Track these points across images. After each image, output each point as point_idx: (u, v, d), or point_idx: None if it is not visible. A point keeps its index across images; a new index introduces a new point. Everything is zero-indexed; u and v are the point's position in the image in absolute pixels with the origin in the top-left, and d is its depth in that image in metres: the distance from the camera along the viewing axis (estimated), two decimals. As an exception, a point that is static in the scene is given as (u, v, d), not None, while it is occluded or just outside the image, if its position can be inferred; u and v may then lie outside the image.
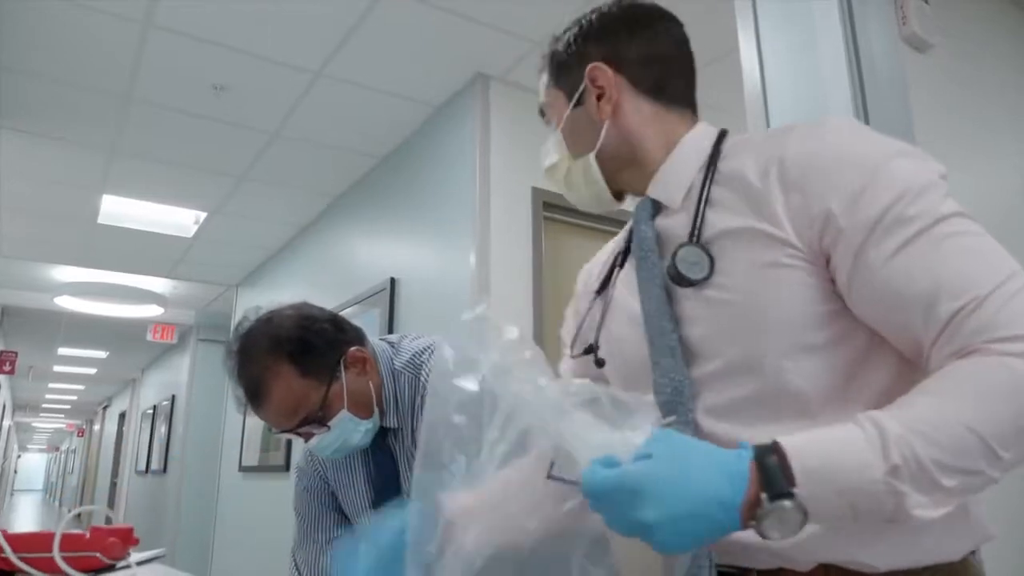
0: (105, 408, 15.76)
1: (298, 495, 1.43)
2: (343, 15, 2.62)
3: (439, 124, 3.24)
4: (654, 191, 0.89)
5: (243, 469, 5.23)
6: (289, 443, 4.41)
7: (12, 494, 27.91)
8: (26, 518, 19.56)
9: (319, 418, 1.19)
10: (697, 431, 0.78)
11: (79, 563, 0.98)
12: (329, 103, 3.21)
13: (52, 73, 3.01)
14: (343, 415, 1.21)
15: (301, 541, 1.42)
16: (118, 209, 4.56)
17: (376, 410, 1.27)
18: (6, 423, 13.38)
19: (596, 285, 1.01)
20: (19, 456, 30.83)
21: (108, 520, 1.34)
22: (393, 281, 3.39)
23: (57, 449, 31.29)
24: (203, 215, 4.67)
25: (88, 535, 1.01)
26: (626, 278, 0.92)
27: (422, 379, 1.28)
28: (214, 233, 4.97)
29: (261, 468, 4.87)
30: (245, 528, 5.11)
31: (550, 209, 3.00)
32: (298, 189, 4.19)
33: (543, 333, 2.81)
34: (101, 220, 4.70)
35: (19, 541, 0.97)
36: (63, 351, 9.77)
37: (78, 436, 21.60)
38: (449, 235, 3.01)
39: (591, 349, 0.93)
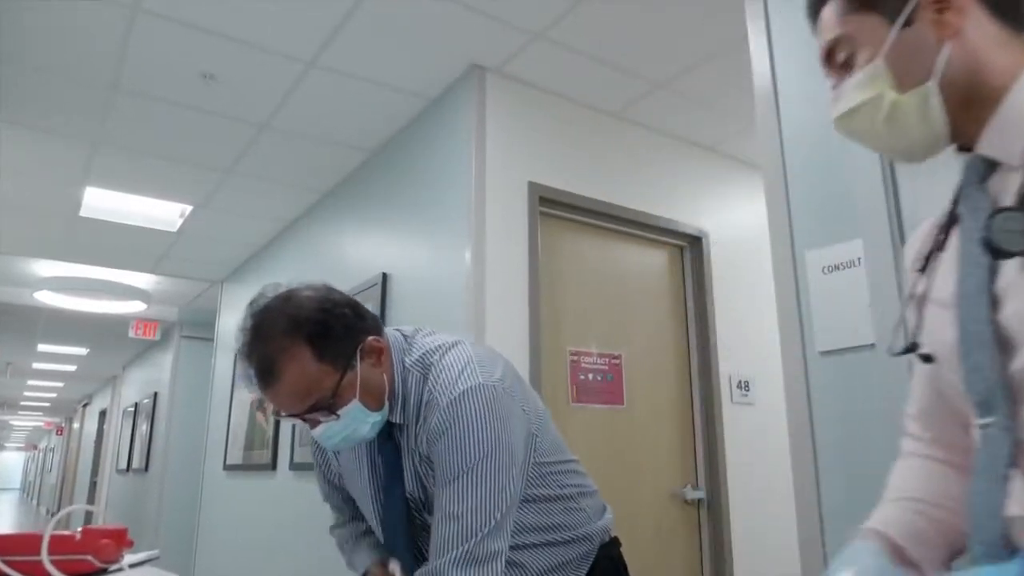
0: (85, 406, 15.53)
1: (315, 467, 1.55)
2: (337, 2, 2.56)
3: (434, 117, 3.18)
4: (987, 143, 0.74)
5: (227, 467, 5.15)
6: (276, 441, 4.33)
7: (-12, 493, 27.44)
8: (3, 517, 19.25)
9: (329, 405, 1.15)
10: (1017, 445, 0.66)
11: (69, 567, 0.92)
12: (321, 94, 3.14)
13: (34, 60, 2.92)
14: (354, 405, 1.17)
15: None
16: (101, 202, 4.45)
17: (387, 403, 1.23)
18: (-17, 421, 13.13)
19: (919, 263, 0.85)
20: (-4, 455, 30.33)
21: (89, 517, 1.26)
22: (385, 276, 3.33)
23: (35, 447, 30.83)
24: (188, 209, 4.58)
25: (79, 537, 0.95)
26: (950, 255, 0.79)
27: (430, 382, 1.23)
28: (199, 228, 4.88)
29: (246, 466, 4.79)
30: (230, 527, 5.03)
31: (547, 204, 2.95)
32: (287, 183, 4.11)
33: (539, 329, 2.77)
34: (83, 213, 4.59)
35: (4, 543, 0.91)
36: (43, 347, 9.59)
37: (57, 434, 21.29)
38: (443, 230, 2.96)
39: (913, 347, 0.81)
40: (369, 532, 1.47)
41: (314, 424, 1.19)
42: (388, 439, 1.28)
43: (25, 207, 4.54)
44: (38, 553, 0.89)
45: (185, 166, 3.93)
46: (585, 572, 1.35)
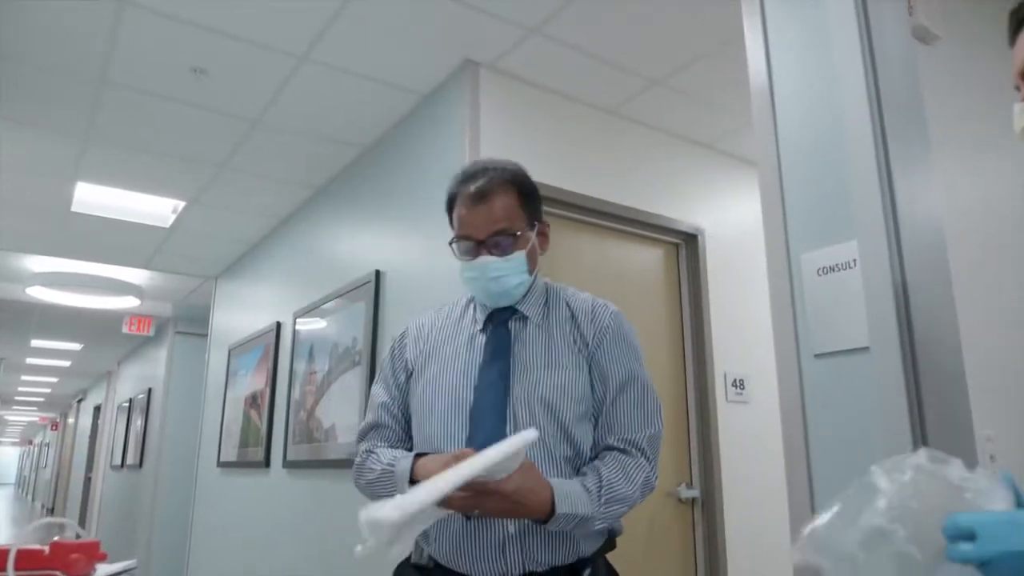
0: (80, 401, 15.49)
1: (383, 362, 1.57)
2: (329, -3, 2.52)
3: (427, 113, 3.15)
4: None
5: (221, 464, 5.13)
6: (269, 438, 4.30)
7: (-17, 488, 27.39)
8: (-2, 512, 19.22)
9: (508, 241, 1.37)
10: None
11: (36, 582, 0.89)
12: (313, 89, 3.11)
13: (22, 54, 2.89)
14: (521, 254, 1.39)
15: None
16: (92, 197, 4.42)
17: (533, 278, 1.45)
18: (-23, 416, 13.09)
19: None
20: (-9, 449, 30.27)
21: (60, 529, 1.24)
22: (378, 274, 3.30)
23: (30, 443, 30.77)
24: (181, 205, 4.55)
25: (47, 551, 0.92)
26: None
27: (568, 292, 1.52)
28: (192, 223, 4.85)
29: (240, 464, 4.76)
30: (224, 524, 5.01)
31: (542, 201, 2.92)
32: (280, 179, 4.08)
33: (532, 328, 2.74)
34: (75, 208, 4.55)
35: (-30, 558, 0.88)
36: (36, 343, 9.55)
37: (52, 430, 21.24)
38: (436, 227, 2.93)
39: None
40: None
41: (477, 254, 1.37)
42: (501, 325, 1.42)
43: (16, 202, 4.50)
44: (4, 569, 0.86)
45: (177, 161, 3.89)
46: (605, 541, 1.38)
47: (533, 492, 1.18)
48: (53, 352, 10.26)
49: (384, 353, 1.69)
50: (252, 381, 4.74)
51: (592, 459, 1.35)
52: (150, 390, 8.25)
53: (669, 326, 3.32)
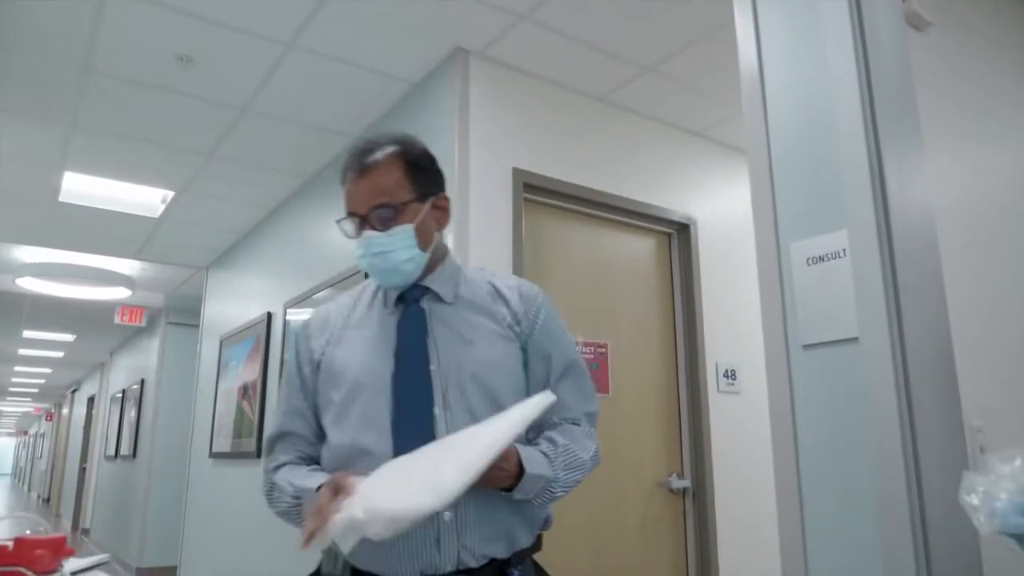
0: (74, 392, 15.45)
1: (287, 361, 1.49)
2: (315, -17, 2.49)
3: (416, 101, 3.12)
4: None
5: (214, 455, 5.11)
6: (261, 430, 4.29)
7: (-21, 478, 27.40)
8: (-6, 502, 19.22)
9: (390, 214, 1.30)
10: None
11: (1, 579, 0.87)
12: (301, 77, 3.07)
13: (3, 40, 2.84)
14: (407, 227, 1.30)
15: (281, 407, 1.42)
16: (81, 187, 4.37)
17: (427, 254, 1.34)
18: (-30, 407, 13.05)
19: None
20: (-14, 440, 30.22)
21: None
22: (368, 264, 3.27)
23: (26, 433, 30.73)
24: (170, 194, 4.51)
25: (11, 547, 0.90)
26: None
27: (485, 272, 1.44)
28: (182, 213, 4.81)
29: (232, 455, 4.75)
30: (216, 515, 5.00)
31: (531, 191, 2.90)
32: (269, 168, 4.04)
33: (523, 319, 2.72)
34: (63, 199, 4.51)
35: (-69, 554, 0.86)
36: (28, 334, 9.51)
37: (46, 420, 21.20)
38: (426, 217, 2.90)
39: None
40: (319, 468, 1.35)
41: (362, 230, 1.30)
42: (413, 304, 1.35)
43: (3, 192, 4.46)
44: None
45: (165, 150, 3.85)
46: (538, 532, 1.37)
47: (509, 453, 1.15)
48: (46, 343, 10.22)
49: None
50: (244, 372, 4.72)
51: (532, 439, 1.30)
52: (143, 381, 8.23)
53: (660, 316, 3.30)
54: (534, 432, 1.30)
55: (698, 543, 3.10)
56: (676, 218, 3.35)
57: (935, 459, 1.27)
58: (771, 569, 1.76)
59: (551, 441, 1.28)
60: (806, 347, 1.51)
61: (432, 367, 1.28)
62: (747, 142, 1.75)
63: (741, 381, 3.38)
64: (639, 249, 3.31)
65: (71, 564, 1.01)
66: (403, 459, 1.13)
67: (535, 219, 2.94)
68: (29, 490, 24.15)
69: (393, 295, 1.36)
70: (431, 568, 1.18)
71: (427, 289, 1.36)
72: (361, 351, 1.32)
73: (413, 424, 1.23)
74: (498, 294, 1.39)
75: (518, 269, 2.76)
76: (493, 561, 1.22)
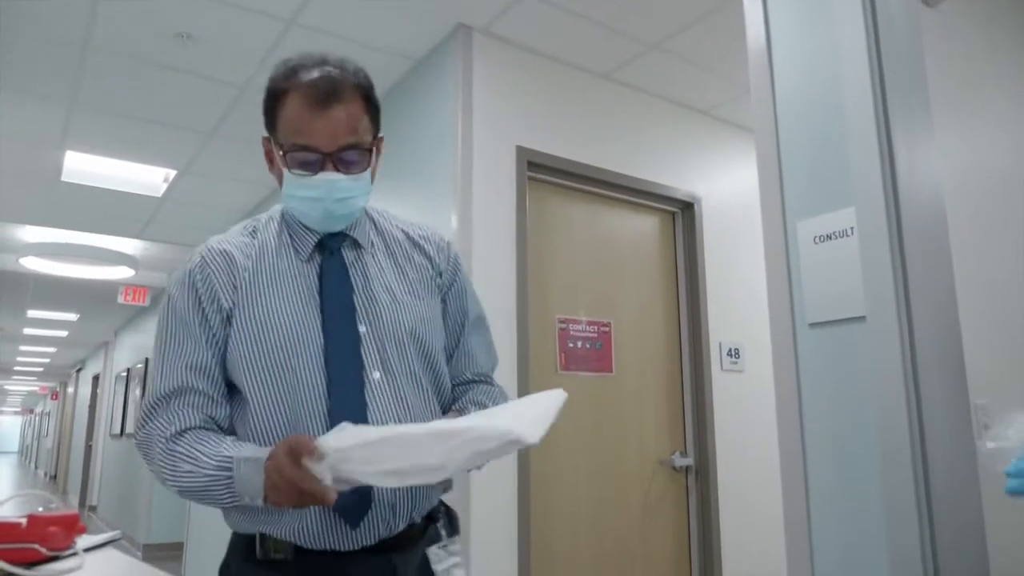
0: (79, 371, 15.52)
1: (174, 304, 1.17)
2: (316, -42, 2.45)
3: (419, 79, 3.09)
4: None
5: (218, 434, 5.13)
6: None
7: (-14, 456, 27.64)
8: (1, 481, 19.39)
9: (360, 157, 1.17)
10: None
11: (15, 555, 0.88)
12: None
13: (2, 18, 2.81)
14: (367, 173, 1.19)
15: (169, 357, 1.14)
16: (82, 167, 4.36)
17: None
18: (-24, 386, 13.12)
19: None
20: (-8, 419, 30.45)
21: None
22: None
23: (31, 412, 30.93)
24: (172, 174, 4.49)
25: (25, 524, 0.91)
26: None
27: (393, 218, 1.34)
28: (184, 193, 4.79)
29: (237, 433, 4.77)
30: (221, 493, 5.03)
31: (535, 169, 2.88)
32: (271, 147, 4.01)
33: (526, 297, 2.72)
34: (65, 178, 4.49)
35: (-53, 532, 0.87)
36: (33, 313, 9.53)
37: (52, 399, 21.32)
38: (429, 196, 2.89)
39: None
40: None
41: (318, 169, 1.14)
42: (335, 253, 1.22)
43: (4, 171, 4.44)
44: None
45: (165, 129, 3.83)
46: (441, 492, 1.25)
47: None
48: (50, 322, 10.25)
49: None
50: (247, 351, 4.73)
51: (451, 397, 1.28)
52: (147, 360, 8.26)
53: (664, 295, 3.30)
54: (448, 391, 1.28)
55: (701, 521, 3.12)
56: (681, 196, 3.33)
57: (941, 438, 1.27)
58: (774, 546, 1.77)
59: (481, 408, 1.23)
60: (812, 326, 1.51)
61: (362, 328, 1.17)
62: (754, 119, 1.73)
63: (744, 360, 3.38)
64: (643, 227, 3.30)
65: (83, 541, 1.02)
66: (381, 428, 1.01)
67: (539, 198, 2.93)
68: (36, 468, 24.36)
69: (309, 241, 1.21)
70: (370, 535, 1.10)
71: (346, 236, 1.23)
72: (283, 307, 1.15)
73: (349, 390, 1.12)
74: (414, 243, 1.30)
75: (521, 247, 2.75)
76: (418, 521, 1.17)
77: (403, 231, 1.31)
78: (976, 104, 1.86)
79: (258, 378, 1.12)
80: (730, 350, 3.35)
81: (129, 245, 6.25)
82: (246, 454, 1.03)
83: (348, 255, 1.22)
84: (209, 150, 4.08)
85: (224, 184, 4.65)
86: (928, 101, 1.50)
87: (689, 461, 3.16)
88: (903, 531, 1.27)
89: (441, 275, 1.29)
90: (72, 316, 9.75)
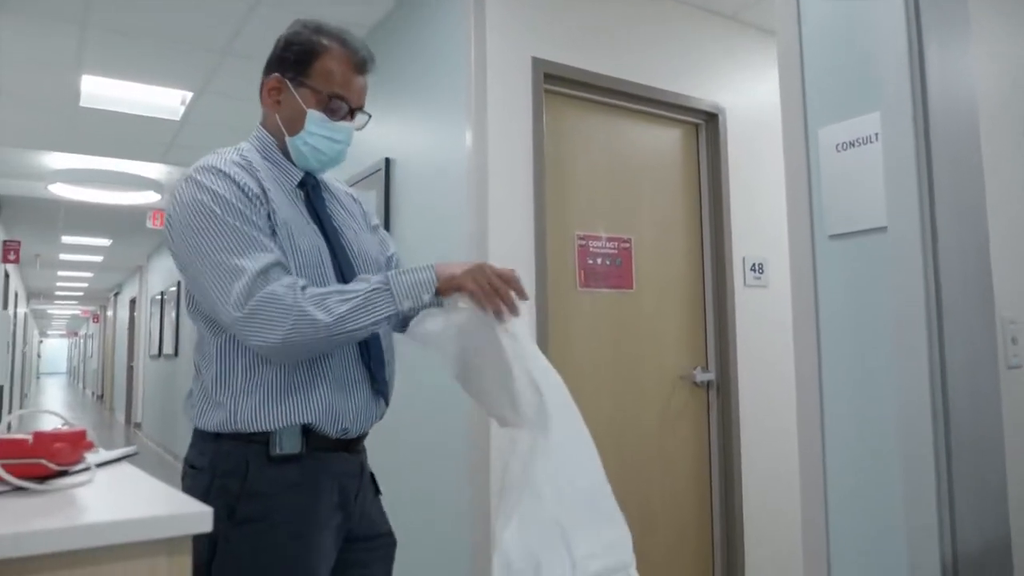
0: (116, 295, 15.94)
1: (224, 198, 1.23)
2: None
3: (431, -12, 2.97)
4: None
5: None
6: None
7: (38, 377, 28.90)
8: (54, 398, 20.34)
9: (366, 118, 1.45)
10: None
11: (23, 470, 0.91)
12: (310, -34, 2.93)
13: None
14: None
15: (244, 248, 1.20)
16: (100, 91, 4.33)
17: None
18: (21, 310, 13.56)
19: None
20: (41, 342, 31.64)
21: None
22: (388, 161, 3.23)
23: (76, 334, 32.05)
24: (189, 96, 4.44)
25: (31, 441, 0.94)
26: None
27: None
28: (202, 115, 4.75)
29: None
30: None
31: (552, 81, 2.79)
32: (286, 65, 3.93)
33: (544, 213, 2.68)
34: (84, 103, 4.47)
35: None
36: (66, 239, 9.72)
37: (93, 322, 22.02)
38: (444, 111, 2.83)
39: None
40: None
41: (335, 116, 1.38)
42: (315, 188, 1.43)
43: (25, 97, 4.44)
44: None
45: (178, 48, 3.76)
46: None
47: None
48: (84, 248, 10.45)
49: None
50: (273, 273, 4.78)
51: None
52: (179, 283, 8.43)
53: (686, 210, 3.23)
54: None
55: (721, 435, 3.15)
56: (704, 107, 3.21)
57: (961, 353, 1.23)
58: (793, 460, 1.77)
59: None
60: (832, 237, 1.46)
61: (354, 250, 1.40)
62: (776, 17, 1.63)
63: (768, 275, 3.33)
64: (665, 140, 3.21)
65: (96, 457, 1.06)
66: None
67: (556, 111, 2.85)
68: (84, 387, 25.43)
69: (295, 177, 1.38)
70: (375, 415, 1.36)
71: (316, 178, 1.44)
72: (299, 225, 1.32)
73: None
74: (351, 198, 1.55)
75: (539, 164, 2.69)
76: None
77: (338, 186, 1.55)
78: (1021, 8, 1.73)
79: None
80: (754, 265, 3.30)
81: (153, 170, 6.27)
82: (406, 275, 1.24)
83: (323, 194, 1.45)
84: (224, 69, 4.01)
85: (241, 104, 4.59)
86: (967, 39, 1.39)
87: (710, 376, 3.16)
88: (919, 445, 1.26)
89: (369, 222, 1.53)
90: (105, 241, 9.93)
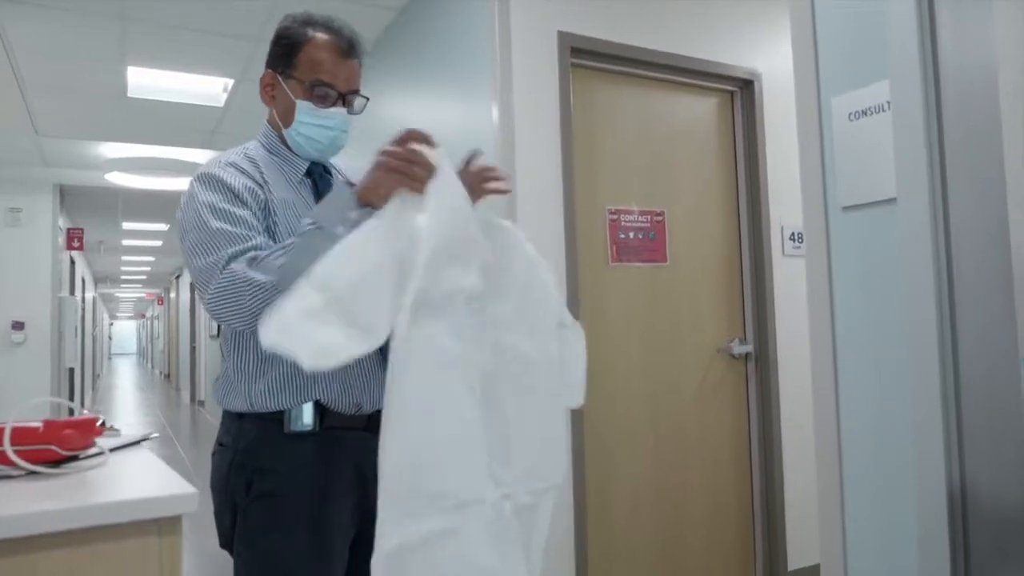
0: (177, 277, 16.49)
1: (211, 203, 1.29)
2: None
3: (454, -35, 2.96)
4: None
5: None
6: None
7: (110, 358, 30.25)
8: (126, 377, 21.30)
9: (362, 102, 1.44)
10: None
11: (34, 456, 0.97)
12: (335, -51, 2.95)
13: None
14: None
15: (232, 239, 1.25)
16: (146, 81, 4.46)
17: None
18: (90, 294, 14.19)
19: None
20: (111, 324, 33.04)
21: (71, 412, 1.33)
22: (418, 142, 3.25)
23: (143, 316, 33.35)
24: (230, 83, 4.54)
25: (42, 428, 1.00)
26: None
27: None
28: (244, 101, 4.85)
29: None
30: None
31: (579, 55, 2.76)
32: (319, 48, 3.98)
33: (573, 189, 2.67)
34: (131, 94, 4.62)
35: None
36: (127, 225, 10.08)
37: (159, 304, 22.86)
38: (469, 87, 2.83)
39: None
40: None
41: (324, 103, 1.38)
42: (323, 176, 1.47)
43: (73, 91, 4.60)
44: (1, 444, 0.94)
45: (215, 37, 3.84)
46: None
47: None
48: (143, 233, 10.83)
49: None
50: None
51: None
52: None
53: (722, 181, 3.17)
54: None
55: (760, 407, 3.11)
56: (739, 74, 3.13)
57: (973, 328, 1.20)
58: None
59: None
60: (845, 209, 1.42)
61: None
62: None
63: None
64: (699, 110, 3.14)
65: (109, 442, 1.12)
66: None
67: (584, 86, 2.82)
68: (152, 367, 26.50)
69: (301, 166, 1.42)
70: (364, 405, 1.32)
71: (322, 166, 1.47)
72: (304, 212, 1.33)
73: None
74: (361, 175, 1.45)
75: (567, 140, 2.67)
76: None
77: (354, 170, 1.49)
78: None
79: None
80: (792, 234, 3.22)
81: (201, 155, 6.44)
82: (328, 204, 1.22)
83: (330, 181, 1.46)
84: (259, 56, 4.05)
85: (280, 90, 4.67)
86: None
87: (748, 348, 3.12)
88: (929, 418, 1.23)
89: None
90: (162, 226, 10.26)
